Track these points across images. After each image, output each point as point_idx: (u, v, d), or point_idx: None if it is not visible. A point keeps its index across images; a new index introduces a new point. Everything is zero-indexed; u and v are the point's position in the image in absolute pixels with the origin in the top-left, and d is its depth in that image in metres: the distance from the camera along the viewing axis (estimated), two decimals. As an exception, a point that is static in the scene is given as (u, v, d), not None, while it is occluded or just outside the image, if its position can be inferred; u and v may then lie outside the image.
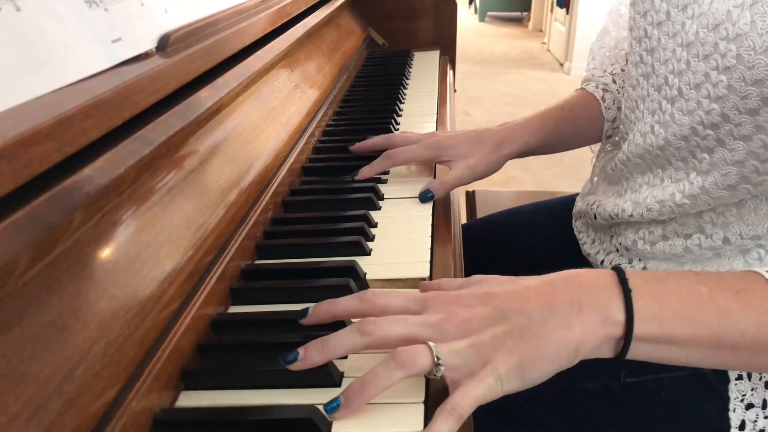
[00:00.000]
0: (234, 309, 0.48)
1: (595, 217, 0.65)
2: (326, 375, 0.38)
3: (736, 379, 0.52)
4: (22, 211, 0.30)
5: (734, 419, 0.52)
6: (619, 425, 0.59)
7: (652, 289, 0.38)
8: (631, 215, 0.58)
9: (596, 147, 0.78)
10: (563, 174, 2.49)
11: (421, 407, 0.36)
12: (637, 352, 0.38)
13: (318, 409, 0.35)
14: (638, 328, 0.37)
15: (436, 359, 0.35)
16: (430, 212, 0.61)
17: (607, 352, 0.38)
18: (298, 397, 0.38)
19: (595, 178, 0.73)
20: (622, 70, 0.73)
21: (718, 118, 0.45)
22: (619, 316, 0.37)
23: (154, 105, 0.45)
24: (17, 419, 0.27)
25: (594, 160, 0.77)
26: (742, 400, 0.52)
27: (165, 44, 0.50)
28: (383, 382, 0.35)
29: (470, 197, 1.18)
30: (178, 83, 0.48)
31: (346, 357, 0.41)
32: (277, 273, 0.51)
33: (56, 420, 0.29)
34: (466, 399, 0.34)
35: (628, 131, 0.60)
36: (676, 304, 0.37)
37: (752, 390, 0.52)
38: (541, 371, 0.36)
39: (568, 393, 0.59)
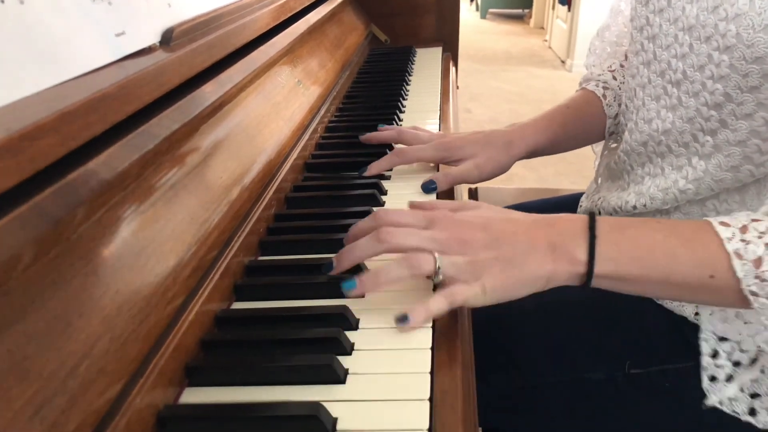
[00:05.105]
0: (238, 305, 0.47)
1: (599, 213, 0.65)
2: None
3: (710, 314, 0.53)
4: (26, 205, 0.30)
5: (705, 347, 0.53)
6: (623, 415, 0.59)
7: (615, 236, 0.44)
8: (635, 206, 0.59)
9: (599, 148, 0.78)
10: (565, 171, 2.49)
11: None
12: (598, 284, 0.45)
13: (322, 406, 0.35)
14: (597, 268, 0.44)
15: (437, 267, 0.42)
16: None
17: (574, 283, 0.46)
18: (302, 393, 0.37)
19: (599, 179, 0.73)
20: (621, 66, 0.73)
21: (721, 97, 0.47)
22: (583, 257, 0.44)
23: (158, 99, 0.44)
24: (21, 415, 0.27)
25: (597, 161, 0.76)
26: (714, 332, 0.53)
27: (169, 38, 0.50)
28: (393, 275, 0.43)
29: (473, 194, 1.18)
30: (182, 78, 0.48)
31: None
32: (281, 269, 0.51)
33: (60, 416, 0.29)
34: (459, 294, 0.42)
35: (629, 121, 0.60)
36: (631, 249, 0.44)
37: (724, 322, 0.52)
38: (517, 292, 0.44)
39: (573, 383, 0.59)
